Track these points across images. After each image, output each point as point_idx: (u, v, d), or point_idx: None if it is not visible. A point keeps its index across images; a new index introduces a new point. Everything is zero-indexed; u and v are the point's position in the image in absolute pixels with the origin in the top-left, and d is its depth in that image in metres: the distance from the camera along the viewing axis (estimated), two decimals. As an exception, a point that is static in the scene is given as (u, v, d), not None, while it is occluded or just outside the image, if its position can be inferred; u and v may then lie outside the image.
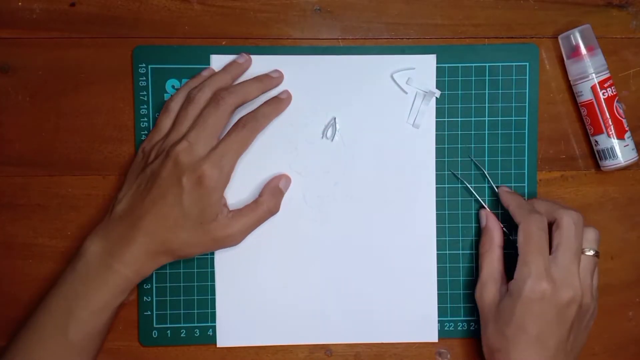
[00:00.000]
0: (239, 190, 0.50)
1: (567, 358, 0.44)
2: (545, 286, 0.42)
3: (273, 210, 0.49)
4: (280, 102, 0.49)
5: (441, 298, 0.51)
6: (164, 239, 0.45)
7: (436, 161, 0.50)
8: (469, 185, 0.50)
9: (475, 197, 0.50)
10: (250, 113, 0.47)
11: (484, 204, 0.50)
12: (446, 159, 0.51)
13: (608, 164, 0.49)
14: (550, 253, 0.44)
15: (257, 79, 0.48)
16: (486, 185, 0.51)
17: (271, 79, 0.49)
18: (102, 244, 0.45)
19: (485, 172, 0.50)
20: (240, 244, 0.50)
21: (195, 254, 0.47)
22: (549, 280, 0.42)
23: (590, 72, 0.49)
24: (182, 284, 0.50)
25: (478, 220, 0.50)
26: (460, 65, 0.50)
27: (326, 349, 0.51)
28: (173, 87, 0.50)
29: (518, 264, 0.44)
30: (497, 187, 0.50)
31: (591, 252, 0.45)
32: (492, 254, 0.47)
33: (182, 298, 0.50)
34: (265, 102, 0.49)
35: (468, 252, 0.51)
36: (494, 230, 0.48)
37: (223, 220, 0.46)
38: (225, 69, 0.49)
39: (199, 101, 0.46)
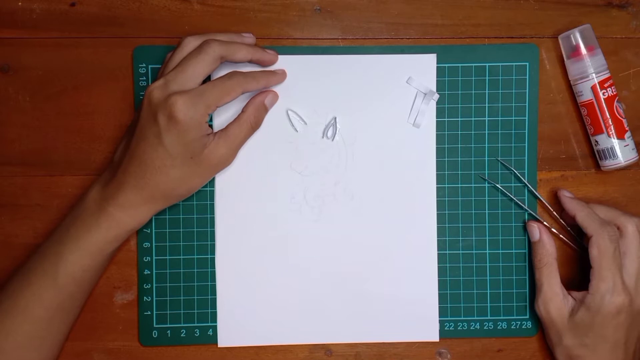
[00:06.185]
0: (239, 190, 0.50)
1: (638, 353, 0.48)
2: (623, 299, 0.45)
3: (255, 127, 0.48)
4: (273, 74, 0.49)
5: (441, 298, 0.51)
6: (156, 181, 0.44)
7: (436, 161, 0.51)
8: (499, 186, 0.50)
9: (510, 196, 0.50)
10: (241, 71, 0.46)
11: (535, 215, 0.50)
12: (446, 159, 0.51)
13: (608, 163, 0.49)
14: None
15: (250, 46, 0.48)
16: (486, 185, 0.51)
17: (264, 52, 0.48)
18: (100, 189, 0.45)
19: (516, 172, 0.50)
20: (240, 243, 0.50)
21: (194, 188, 0.47)
22: (625, 293, 0.45)
23: (591, 72, 0.49)
24: (182, 284, 0.50)
25: (527, 231, 0.51)
26: (460, 65, 0.50)
27: (326, 349, 0.51)
28: (173, 87, 0.50)
29: (593, 277, 0.46)
30: (558, 191, 0.50)
31: None
32: (550, 267, 0.49)
33: (182, 298, 0.50)
34: (260, 70, 0.49)
35: (468, 252, 0.51)
36: (549, 243, 0.49)
37: (211, 146, 0.45)
38: (227, 34, 0.48)
39: (187, 46, 0.45)
